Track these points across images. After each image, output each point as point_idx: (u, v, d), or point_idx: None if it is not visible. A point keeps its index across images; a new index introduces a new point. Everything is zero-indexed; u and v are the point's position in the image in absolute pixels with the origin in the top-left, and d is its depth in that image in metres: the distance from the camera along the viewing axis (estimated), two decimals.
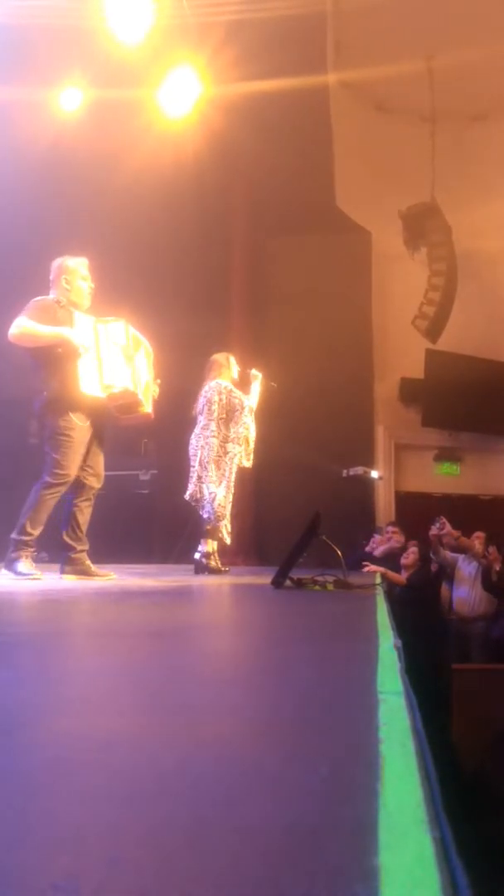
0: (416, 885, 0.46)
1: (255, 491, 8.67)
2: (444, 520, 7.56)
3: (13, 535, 4.06)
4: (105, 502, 7.98)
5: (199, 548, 5.37)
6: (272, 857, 0.50)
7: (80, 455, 4.16)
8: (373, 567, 6.84)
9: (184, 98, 7.22)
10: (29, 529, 4.04)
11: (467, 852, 0.53)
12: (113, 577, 4.25)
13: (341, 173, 9.38)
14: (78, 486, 4.26)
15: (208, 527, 5.32)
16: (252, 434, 5.47)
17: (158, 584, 4.18)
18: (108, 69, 6.89)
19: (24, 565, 4.02)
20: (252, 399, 5.47)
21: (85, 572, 4.20)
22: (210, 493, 5.26)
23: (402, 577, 7.24)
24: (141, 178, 7.38)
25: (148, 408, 4.57)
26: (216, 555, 5.38)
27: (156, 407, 4.77)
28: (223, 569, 5.33)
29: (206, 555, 5.31)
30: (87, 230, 7.14)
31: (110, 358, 4.29)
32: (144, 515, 8.57)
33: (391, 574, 6.98)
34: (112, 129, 7.30)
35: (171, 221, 8.16)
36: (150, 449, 8.65)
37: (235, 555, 7.84)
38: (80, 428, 4.13)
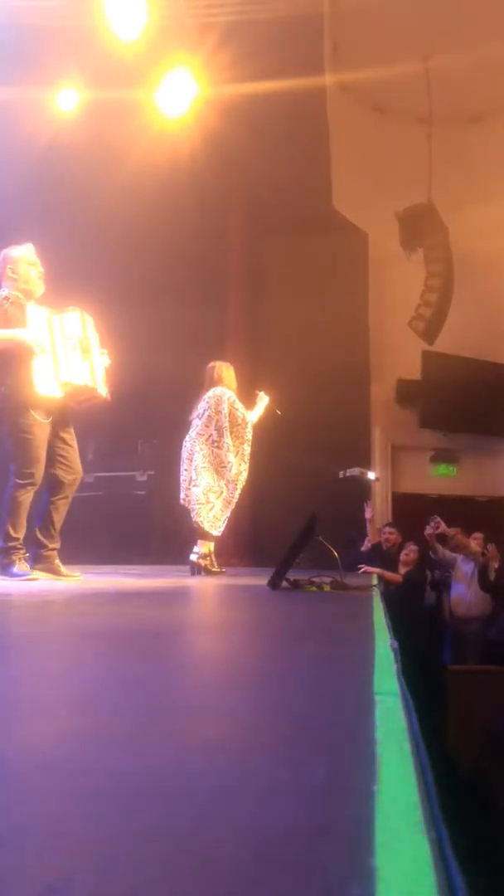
0: (413, 886, 0.46)
1: (251, 492, 8.65)
2: (439, 519, 7.57)
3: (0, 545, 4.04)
4: (102, 503, 8.00)
5: (195, 549, 5.37)
6: (268, 859, 0.50)
7: (43, 452, 4.09)
8: (369, 569, 6.84)
9: (181, 99, 7.22)
10: (13, 534, 4.02)
11: (463, 853, 0.53)
12: (80, 578, 4.22)
13: (338, 174, 9.39)
14: (55, 484, 4.21)
15: (203, 529, 5.31)
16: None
17: (155, 585, 4.17)
18: (105, 69, 6.89)
19: (18, 567, 4.00)
20: (254, 416, 5.46)
21: (54, 571, 4.17)
22: (205, 499, 5.23)
23: (399, 574, 7.26)
24: (138, 179, 7.38)
25: (104, 393, 4.42)
26: (212, 556, 5.38)
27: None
28: (219, 570, 5.33)
29: (203, 556, 5.30)
30: (83, 231, 7.16)
31: (66, 353, 4.17)
32: (141, 516, 8.56)
33: (388, 574, 6.99)
34: (109, 130, 7.30)
35: (167, 222, 8.16)
36: (147, 450, 8.64)
37: (232, 556, 7.84)
38: (40, 425, 4.06)
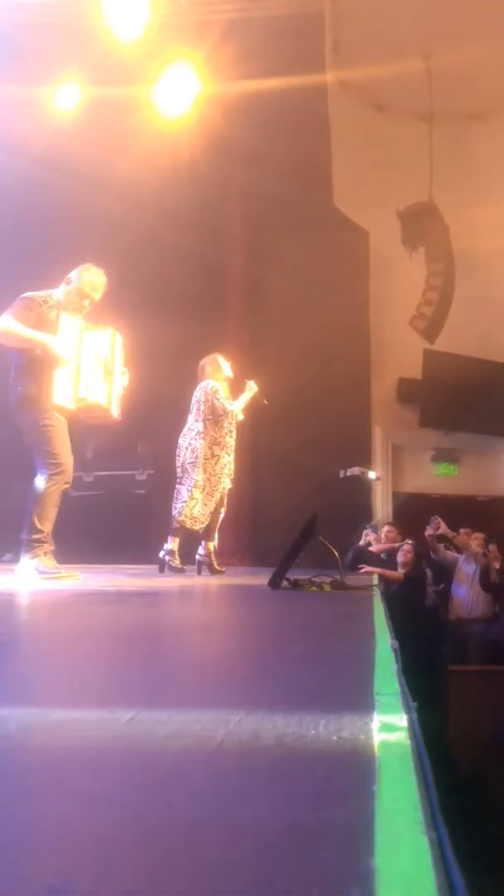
0: (413, 886, 0.46)
1: (251, 491, 8.66)
2: (439, 520, 7.57)
3: (24, 537, 4.00)
4: (101, 502, 8.00)
5: (165, 545, 5.34)
6: (268, 859, 0.50)
7: (68, 444, 4.12)
8: (369, 569, 6.84)
9: (181, 96, 7.21)
10: (39, 526, 3.98)
11: (463, 854, 0.53)
12: (78, 577, 4.20)
13: (339, 172, 9.39)
14: None
15: (175, 525, 5.29)
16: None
17: (154, 585, 4.17)
18: (106, 67, 6.89)
19: (45, 563, 3.97)
20: (236, 405, 5.36)
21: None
22: (188, 496, 5.21)
23: (400, 573, 7.26)
24: (138, 176, 7.38)
25: (115, 414, 4.44)
26: (176, 553, 5.32)
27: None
28: (180, 567, 5.27)
29: (171, 552, 5.29)
30: (83, 228, 7.15)
31: (89, 372, 4.23)
32: (141, 515, 8.55)
33: (388, 572, 6.99)
34: (109, 127, 7.30)
35: (167, 219, 8.14)
36: (146, 449, 8.63)
37: (232, 555, 7.84)
38: (60, 420, 4.11)
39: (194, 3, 6.75)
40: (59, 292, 4.25)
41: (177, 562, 5.26)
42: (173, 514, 5.30)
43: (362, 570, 6.73)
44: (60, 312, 4.16)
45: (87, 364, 4.23)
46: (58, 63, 7.13)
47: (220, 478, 5.27)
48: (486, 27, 8.42)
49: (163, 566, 5.28)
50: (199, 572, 5.37)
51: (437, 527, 7.56)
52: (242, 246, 9.49)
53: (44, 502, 4.01)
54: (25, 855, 0.51)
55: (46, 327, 4.09)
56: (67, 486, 4.20)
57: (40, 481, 4.03)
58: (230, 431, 5.36)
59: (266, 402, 5.56)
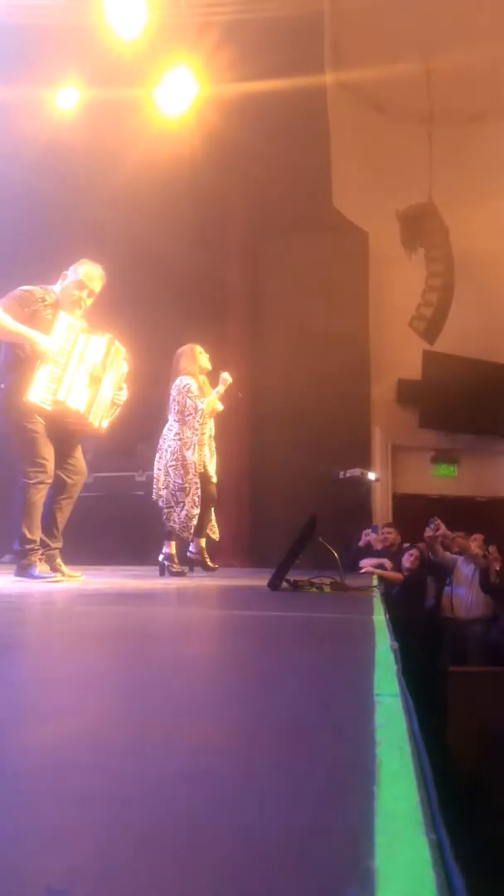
0: (413, 888, 0.46)
1: (251, 492, 8.67)
2: (439, 521, 7.57)
3: (16, 547, 3.99)
4: (101, 504, 7.99)
5: (164, 550, 5.31)
6: (268, 861, 0.50)
7: (49, 449, 4.01)
8: (368, 563, 6.83)
9: (181, 98, 7.22)
10: (28, 536, 3.96)
11: (464, 855, 0.53)
12: (81, 578, 4.20)
13: (338, 174, 9.40)
14: (59, 484, 4.15)
15: (169, 529, 5.23)
16: (209, 440, 5.30)
17: (153, 586, 4.17)
18: (105, 68, 6.89)
19: (39, 569, 3.96)
20: (206, 402, 5.20)
21: (55, 570, 4.13)
22: (174, 500, 5.17)
23: (400, 575, 7.26)
24: (137, 178, 7.38)
25: (97, 424, 4.31)
26: (175, 556, 5.30)
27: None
28: (180, 570, 5.25)
29: (169, 556, 5.26)
30: (83, 229, 7.15)
31: (74, 375, 4.08)
32: (140, 517, 8.55)
33: (389, 574, 6.99)
34: (109, 129, 7.30)
35: (166, 221, 8.15)
36: (146, 451, 8.63)
37: (231, 556, 7.84)
38: (39, 422, 3.99)
39: (193, 5, 6.76)
40: (56, 288, 4.18)
41: (176, 566, 5.24)
42: (162, 518, 5.25)
43: (363, 570, 6.73)
44: (59, 311, 4.09)
45: (73, 367, 4.09)
46: (58, 64, 7.13)
47: (195, 477, 5.16)
48: (486, 28, 8.43)
49: (163, 570, 5.26)
50: (190, 569, 5.34)
51: (437, 528, 7.56)
52: (241, 247, 9.50)
53: (29, 512, 3.96)
54: (25, 857, 0.51)
55: (41, 326, 4.01)
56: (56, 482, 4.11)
57: (21, 490, 3.95)
58: (203, 425, 5.21)
59: (240, 395, 5.47)
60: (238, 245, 9.46)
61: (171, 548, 5.27)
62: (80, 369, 4.13)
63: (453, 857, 0.51)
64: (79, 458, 4.29)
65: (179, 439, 5.16)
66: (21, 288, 4.09)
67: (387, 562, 7.20)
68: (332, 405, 8.96)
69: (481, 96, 9.72)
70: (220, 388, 5.25)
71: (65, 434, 4.21)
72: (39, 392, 3.97)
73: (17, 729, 0.86)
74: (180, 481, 5.13)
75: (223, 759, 0.74)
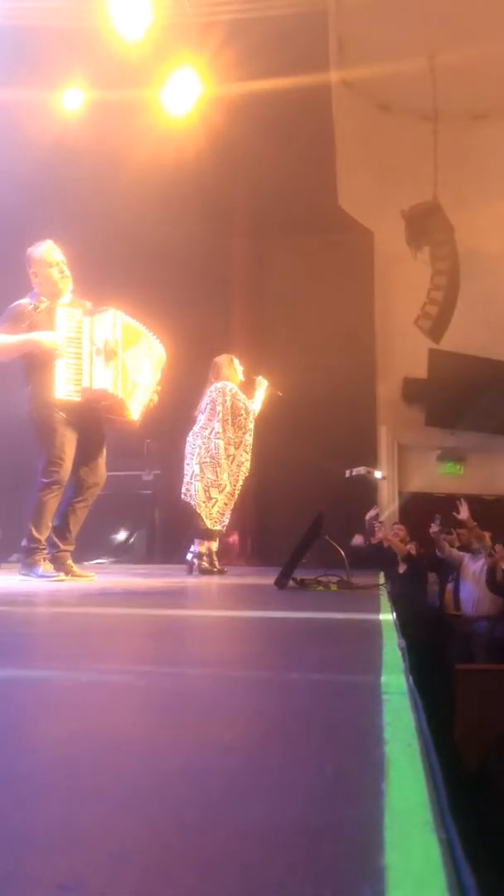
0: (423, 885, 0.46)
1: (257, 491, 8.66)
2: (463, 504, 7.51)
3: (23, 545, 4.02)
4: (108, 503, 8.01)
5: (192, 548, 5.33)
6: (277, 859, 0.50)
7: (70, 450, 4.01)
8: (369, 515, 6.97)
9: (185, 98, 7.23)
10: (35, 535, 3.99)
11: (473, 853, 0.53)
12: (93, 578, 4.20)
13: (343, 173, 9.39)
14: (77, 486, 4.15)
15: (202, 528, 5.27)
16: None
17: (161, 585, 4.17)
18: (110, 69, 6.90)
19: (43, 568, 3.98)
20: (255, 404, 5.40)
21: (66, 571, 4.12)
22: (205, 496, 5.20)
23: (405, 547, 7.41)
24: (142, 178, 7.39)
25: (133, 414, 4.31)
26: (213, 555, 5.34)
27: (153, 411, 4.63)
28: (217, 569, 5.27)
29: (199, 555, 5.28)
30: (89, 230, 7.15)
31: (89, 357, 4.08)
32: (147, 516, 8.57)
33: (397, 543, 7.16)
34: (114, 130, 7.31)
35: (172, 221, 8.15)
36: (153, 449, 8.64)
37: (238, 555, 7.85)
38: (65, 421, 4.00)
39: (197, 5, 6.76)
40: (36, 292, 4.16)
41: (205, 563, 5.25)
42: (192, 517, 5.27)
43: (355, 542, 6.92)
44: (54, 309, 4.08)
45: (88, 349, 4.10)
46: (63, 66, 7.14)
47: (238, 478, 5.26)
48: (491, 26, 8.40)
49: (191, 568, 5.27)
50: (189, 571, 5.32)
51: (439, 529, 7.57)
52: (247, 246, 9.50)
53: (40, 511, 3.99)
54: (35, 854, 0.51)
55: (43, 327, 4.03)
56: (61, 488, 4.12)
57: (38, 488, 3.99)
58: (250, 430, 5.33)
59: (280, 394, 5.60)
60: (243, 245, 9.45)
61: (201, 546, 5.28)
62: (93, 351, 4.13)
63: (463, 854, 0.51)
64: (100, 465, 4.27)
65: (220, 439, 5.22)
66: (11, 306, 4.10)
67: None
68: (338, 404, 8.95)
69: (486, 94, 9.69)
70: (262, 392, 5.46)
71: (95, 433, 4.21)
72: (64, 386, 4.00)
73: (26, 727, 0.87)
74: (214, 477, 5.19)
75: (232, 757, 0.74)
